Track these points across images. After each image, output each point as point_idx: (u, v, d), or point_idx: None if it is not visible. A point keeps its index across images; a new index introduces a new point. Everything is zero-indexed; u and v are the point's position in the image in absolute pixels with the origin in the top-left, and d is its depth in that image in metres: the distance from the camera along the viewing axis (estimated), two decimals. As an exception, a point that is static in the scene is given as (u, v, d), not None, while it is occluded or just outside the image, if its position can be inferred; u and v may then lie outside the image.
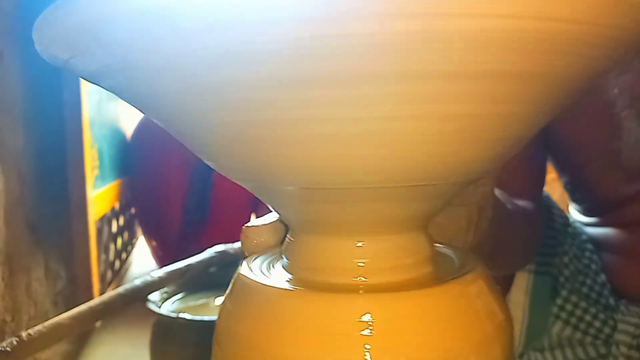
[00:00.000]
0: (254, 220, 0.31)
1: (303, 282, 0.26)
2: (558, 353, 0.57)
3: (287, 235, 0.28)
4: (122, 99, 0.24)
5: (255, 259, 0.30)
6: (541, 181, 0.61)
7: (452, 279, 0.25)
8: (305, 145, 0.20)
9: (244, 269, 0.28)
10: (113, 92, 0.23)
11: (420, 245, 0.26)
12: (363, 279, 0.25)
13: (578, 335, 0.57)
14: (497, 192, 0.43)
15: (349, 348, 0.22)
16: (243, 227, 0.31)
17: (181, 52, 0.18)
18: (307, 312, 0.23)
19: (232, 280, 0.28)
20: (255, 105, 0.19)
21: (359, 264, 0.25)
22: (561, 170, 0.66)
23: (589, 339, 0.57)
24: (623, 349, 0.54)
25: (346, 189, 0.22)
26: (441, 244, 0.30)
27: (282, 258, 0.28)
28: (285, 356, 0.23)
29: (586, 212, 0.66)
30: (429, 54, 0.16)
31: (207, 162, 0.25)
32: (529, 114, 0.21)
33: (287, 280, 0.26)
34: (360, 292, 0.24)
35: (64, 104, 1.05)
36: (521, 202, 0.54)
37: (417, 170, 0.21)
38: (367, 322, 0.23)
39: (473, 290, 0.25)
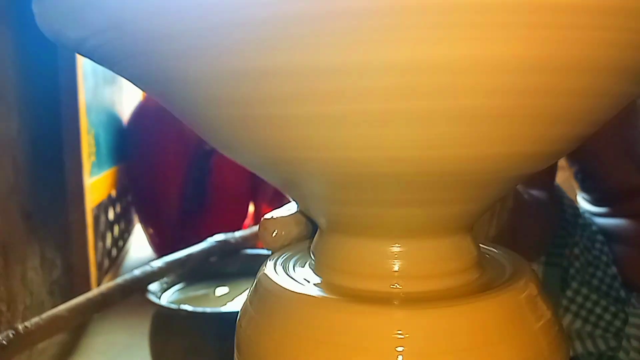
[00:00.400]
0: (273, 212, 0.29)
1: (333, 287, 0.24)
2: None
3: (317, 234, 0.26)
4: (136, 84, 0.22)
5: (279, 256, 0.27)
6: (553, 170, 0.60)
7: (501, 286, 0.22)
8: (337, 124, 0.17)
9: (269, 269, 0.26)
10: (124, 74, 0.21)
11: (464, 250, 0.24)
12: (399, 286, 0.23)
13: (588, 328, 0.56)
14: None
15: None
16: (262, 219, 0.29)
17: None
18: (337, 325, 0.21)
19: (255, 281, 0.26)
20: (288, 83, 0.17)
21: (395, 270, 0.23)
22: (573, 159, 0.65)
23: (599, 332, 0.56)
24: (634, 343, 0.53)
25: (380, 182, 0.20)
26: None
27: (309, 257, 0.26)
28: None
29: (596, 202, 0.65)
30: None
31: (232, 156, 0.23)
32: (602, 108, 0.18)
33: (315, 284, 0.24)
34: (396, 302, 0.22)
35: (59, 88, 1.02)
36: (535, 192, 0.53)
37: (463, 160, 0.19)
38: (404, 338, 0.20)
39: (525, 299, 0.22)
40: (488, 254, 0.27)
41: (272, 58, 0.16)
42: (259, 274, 0.26)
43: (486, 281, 0.24)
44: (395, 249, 0.23)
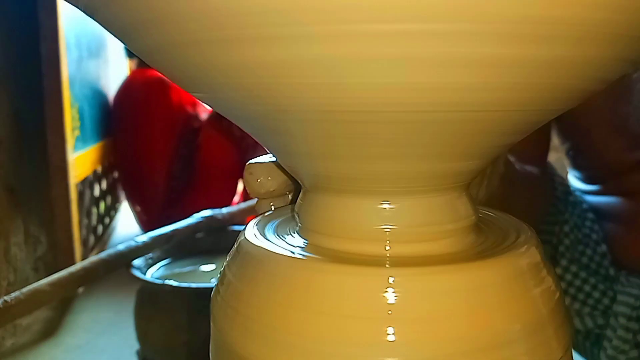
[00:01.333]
0: (259, 157, 0.28)
1: (320, 250, 0.22)
2: None
3: (300, 194, 0.24)
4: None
5: (261, 220, 0.26)
6: (547, 147, 0.59)
7: (501, 249, 0.21)
8: (334, 65, 0.16)
9: (248, 232, 0.24)
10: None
11: (461, 209, 0.22)
12: (390, 248, 0.21)
13: (576, 305, 0.56)
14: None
15: (370, 332, 0.18)
16: (246, 164, 0.28)
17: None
18: (322, 287, 0.19)
19: (235, 245, 0.24)
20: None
21: (385, 230, 0.21)
22: (565, 135, 0.64)
23: (587, 310, 0.56)
24: (622, 321, 0.53)
25: (371, 130, 0.18)
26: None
27: (294, 220, 0.25)
28: (295, 338, 0.19)
29: (587, 180, 0.64)
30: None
31: (208, 97, 0.21)
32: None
33: (300, 247, 0.22)
34: (387, 264, 0.20)
35: (41, 59, 0.99)
36: (528, 167, 0.52)
37: (460, 104, 0.17)
38: (395, 301, 0.18)
39: (526, 263, 0.21)
40: (490, 219, 0.25)
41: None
42: (239, 238, 0.24)
43: (487, 247, 0.22)
44: (386, 207, 0.21)
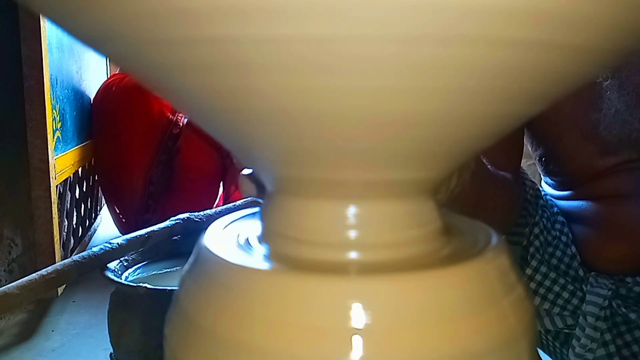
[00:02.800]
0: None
1: (282, 257, 0.21)
2: None
3: (265, 198, 0.23)
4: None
5: (224, 223, 0.25)
6: (520, 154, 0.60)
7: (469, 256, 0.20)
8: (296, 70, 0.15)
9: (207, 238, 0.23)
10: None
11: (427, 214, 0.21)
12: (355, 254, 0.20)
13: (546, 305, 0.57)
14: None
15: (334, 345, 0.17)
16: (240, 174, 0.28)
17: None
18: (283, 298, 0.18)
19: (194, 253, 0.23)
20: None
21: (351, 236, 0.20)
22: (537, 142, 0.65)
23: (556, 309, 0.57)
24: (590, 320, 0.54)
25: (336, 123, 0.17)
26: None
27: (258, 223, 0.24)
28: (256, 352, 0.18)
29: (559, 186, 0.65)
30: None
31: (178, 104, 0.20)
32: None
33: (261, 255, 0.21)
34: (352, 273, 0.19)
35: (22, 60, 0.99)
36: (501, 173, 0.53)
37: (424, 113, 0.16)
38: (360, 312, 0.18)
39: (493, 272, 0.20)
40: (456, 225, 0.25)
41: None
42: (198, 242, 0.24)
43: (452, 252, 0.21)
44: (352, 211, 0.20)
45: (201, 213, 0.80)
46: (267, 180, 0.23)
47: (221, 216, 0.83)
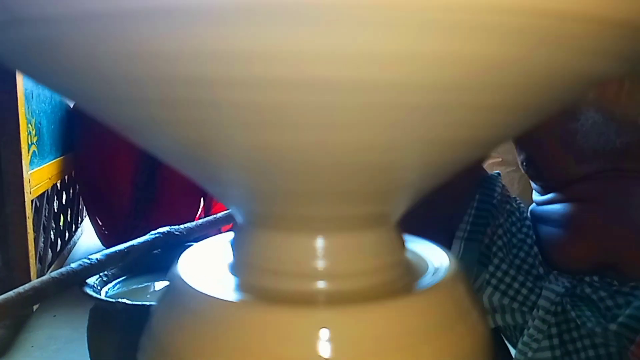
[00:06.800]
0: None
1: (252, 288, 0.22)
2: (489, 317, 0.59)
3: (235, 229, 0.24)
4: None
5: (197, 250, 0.25)
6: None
7: (427, 284, 0.21)
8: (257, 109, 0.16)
9: (181, 266, 0.23)
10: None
11: (390, 245, 0.22)
12: (322, 284, 0.21)
13: (506, 301, 0.60)
14: None
15: None
16: None
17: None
18: (252, 329, 0.19)
19: (168, 278, 0.24)
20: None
21: (318, 267, 0.21)
22: (520, 146, 0.68)
23: (516, 305, 0.59)
24: (541, 313, 0.57)
25: (299, 159, 0.18)
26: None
27: (230, 252, 0.24)
28: None
29: (542, 190, 0.68)
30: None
31: (148, 145, 0.21)
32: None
33: (231, 285, 0.22)
34: (320, 303, 0.20)
35: (-5, 74, 0.98)
36: None
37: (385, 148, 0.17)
38: (326, 341, 0.18)
39: (451, 298, 0.21)
40: (416, 252, 0.26)
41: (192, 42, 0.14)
42: (171, 270, 0.24)
43: (412, 280, 0.22)
44: (318, 243, 0.21)
45: (182, 226, 0.80)
46: (238, 213, 0.23)
47: (201, 230, 0.82)
